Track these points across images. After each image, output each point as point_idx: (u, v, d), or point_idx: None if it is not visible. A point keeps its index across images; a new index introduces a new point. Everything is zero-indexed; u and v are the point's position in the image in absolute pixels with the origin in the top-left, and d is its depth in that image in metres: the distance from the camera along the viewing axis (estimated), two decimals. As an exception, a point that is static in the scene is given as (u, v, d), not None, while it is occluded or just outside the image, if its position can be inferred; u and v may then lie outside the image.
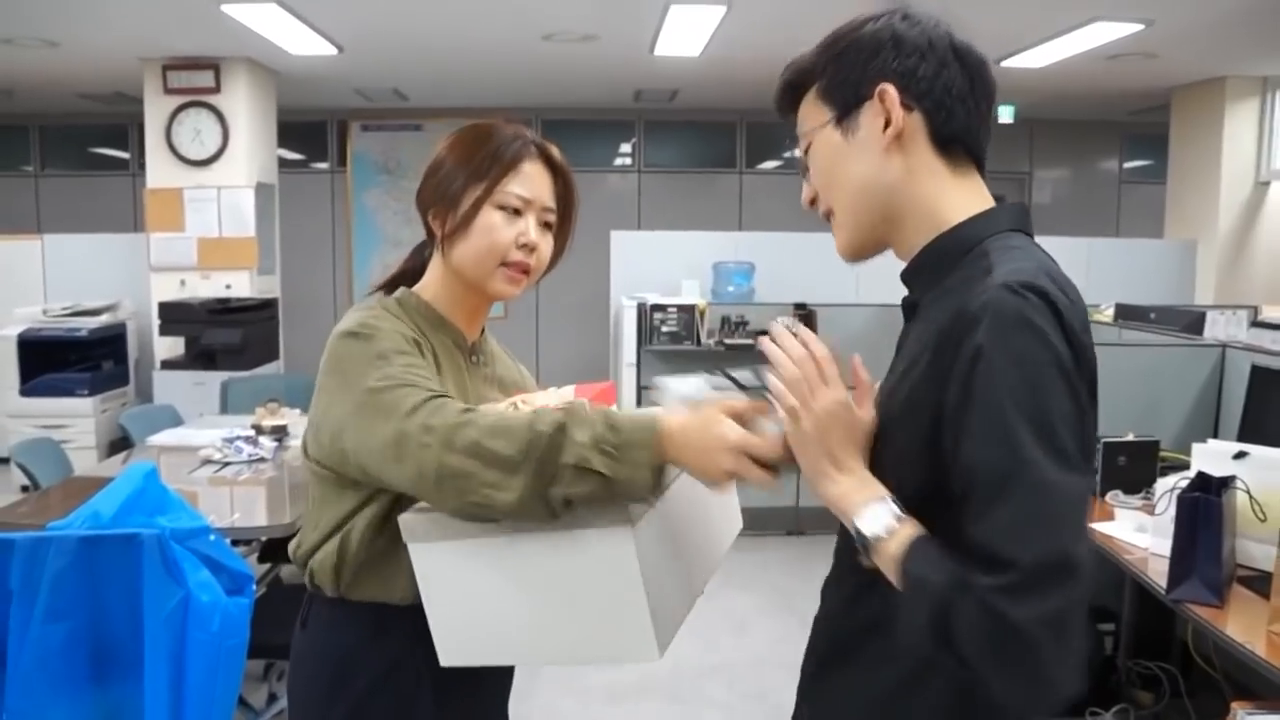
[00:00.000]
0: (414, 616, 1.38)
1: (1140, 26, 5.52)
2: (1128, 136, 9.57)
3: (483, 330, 1.65)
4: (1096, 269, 6.91)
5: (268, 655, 3.40)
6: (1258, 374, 3.33)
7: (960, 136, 1.17)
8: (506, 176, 1.48)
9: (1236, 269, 7.38)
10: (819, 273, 6.38)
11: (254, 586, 2.78)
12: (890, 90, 1.15)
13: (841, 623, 1.27)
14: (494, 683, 1.64)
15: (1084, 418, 1.04)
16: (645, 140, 9.23)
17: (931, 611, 0.99)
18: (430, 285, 1.56)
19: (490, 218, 1.48)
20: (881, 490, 1.10)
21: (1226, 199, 7.32)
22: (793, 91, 1.29)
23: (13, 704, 2.54)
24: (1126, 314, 4.89)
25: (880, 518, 1.07)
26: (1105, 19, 5.42)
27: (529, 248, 1.50)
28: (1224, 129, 7.24)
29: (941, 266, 1.17)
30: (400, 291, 1.56)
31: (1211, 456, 2.74)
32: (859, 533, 1.09)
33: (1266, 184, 7.32)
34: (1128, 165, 9.73)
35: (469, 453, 1.21)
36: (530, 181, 1.50)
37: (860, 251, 1.28)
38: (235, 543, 3.03)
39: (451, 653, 1.36)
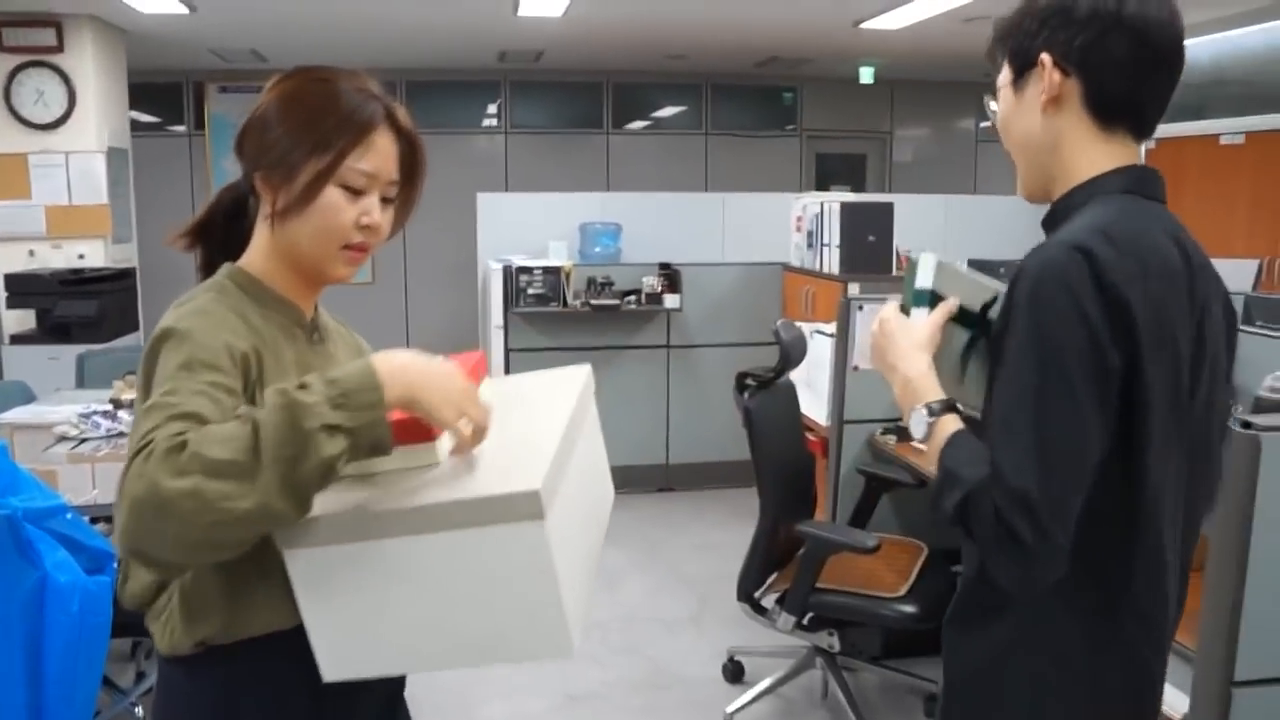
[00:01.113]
0: (291, 639, 1.25)
1: (989, -11, 5.72)
2: (984, 97, 9.88)
3: (316, 306, 1.49)
4: (953, 225, 7.17)
5: (135, 634, 3.35)
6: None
7: (1117, 101, 1.32)
8: (354, 150, 1.32)
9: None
10: (684, 233, 6.50)
11: (115, 564, 2.74)
12: (1047, 59, 1.31)
13: (970, 583, 1.42)
14: (390, 692, 1.50)
15: (1103, 363, 1.19)
16: (511, 101, 9.16)
17: (958, 500, 1.22)
18: (259, 260, 1.40)
19: (332, 197, 1.33)
20: (925, 396, 1.33)
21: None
22: (996, 46, 1.41)
23: None
24: (980, 269, 5.09)
25: (919, 424, 1.32)
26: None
27: (371, 229, 1.36)
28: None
29: (1054, 220, 1.36)
30: (229, 269, 1.39)
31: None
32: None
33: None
34: (984, 124, 10.08)
35: (189, 470, 1.04)
36: (378, 155, 1.35)
37: (1030, 197, 1.45)
38: (95, 520, 2.96)
39: (336, 667, 1.23)
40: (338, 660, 1.22)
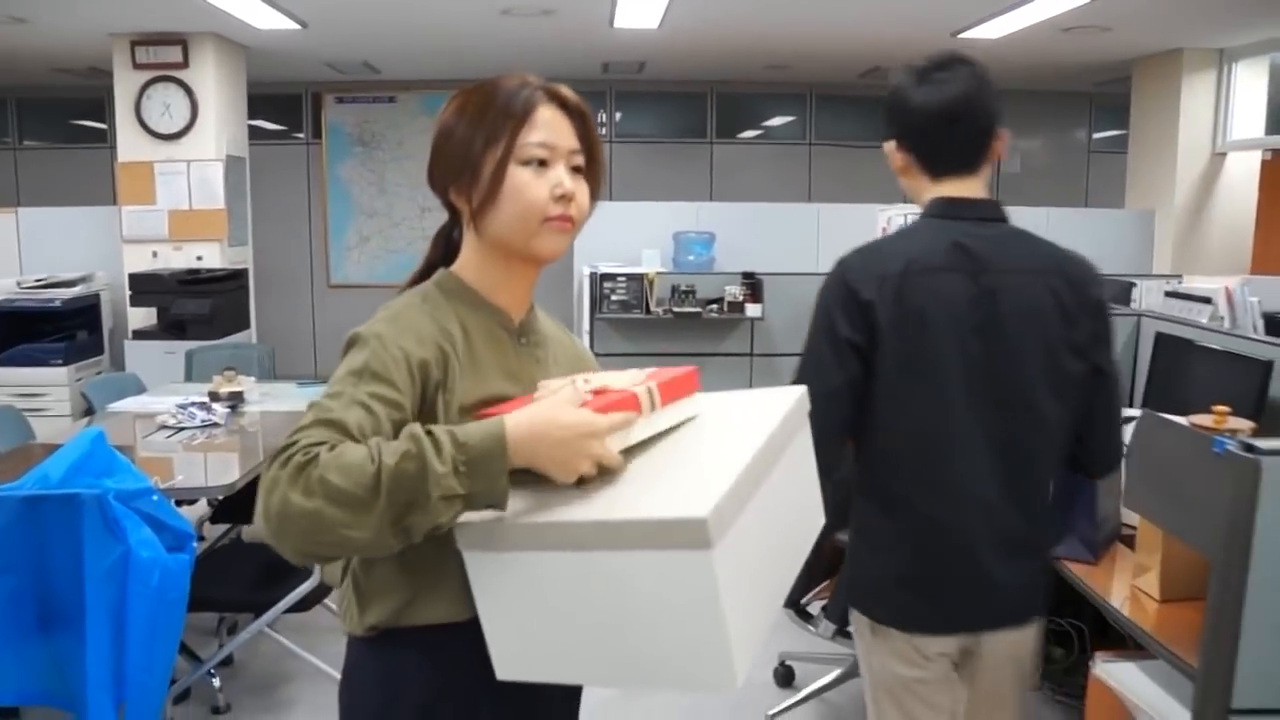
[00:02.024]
0: (464, 633, 1.30)
1: (1085, 0, 5.62)
2: (1096, 107, 9.67)
3: (531, 307, 1.50)
4: (1057, 238, 7.04)
5: (220, 609, 3.59)
6: (1161, 341, 3.47)
7: (931, 157, 1.88)
8: (523, 128, 1.36)
9: (1192, 238, 7.51)
10: (778, 243, 6.55)
11: (194, 544, 2.95)
12: (890, 146, 1.92)
13: None
14: (563, 698, 1.49)
15: (837, 336, 1.80)
16: (616, 111, 9.33)
17: None
18: (469, 265, 1.43)
19: (518, 176, 1.35)
20: None
21: (1183, 169, 7.44)
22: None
23: (-37, 652, 2.71)
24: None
25: None
26: (1049, -7, 5.53)
27: (567, 198, 1.37)
28: (1181, 101, 7.35)
29: None
30: (439, 274, 1.44)
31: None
32: None
33: (1223, 155, 7.43)
34: (1096, 135, 9.83)
35: (313, 492, 1.12)
36: (549, 128, 1.37)
37: None
38: (179, 502, 3.19)
39: (508, 666, 1.26)
40: (510, 660, 1.26)
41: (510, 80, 1.39)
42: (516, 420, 1.20)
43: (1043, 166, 9.86)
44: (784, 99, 9.48)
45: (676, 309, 5.54)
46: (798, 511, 1.44)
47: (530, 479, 1.23)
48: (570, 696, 1.51)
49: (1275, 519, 1.72)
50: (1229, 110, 7.36)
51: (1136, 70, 7.80)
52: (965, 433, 1.81)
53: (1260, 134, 7.28)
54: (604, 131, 9.35)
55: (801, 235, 6.65)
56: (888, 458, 1.87)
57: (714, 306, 5.63)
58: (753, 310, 5.59)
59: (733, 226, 6.57)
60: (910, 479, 1.85)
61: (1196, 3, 5.81)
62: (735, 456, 1.22)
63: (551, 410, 1.22)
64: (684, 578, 1.11)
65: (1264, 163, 7.18)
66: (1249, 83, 7.29)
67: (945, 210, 1.85)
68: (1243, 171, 7.42)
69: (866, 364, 1.80)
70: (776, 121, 9.66)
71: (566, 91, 1.41)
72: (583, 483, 1.23)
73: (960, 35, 6.68)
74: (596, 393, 1.29)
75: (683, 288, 5.65)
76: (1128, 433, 2.68)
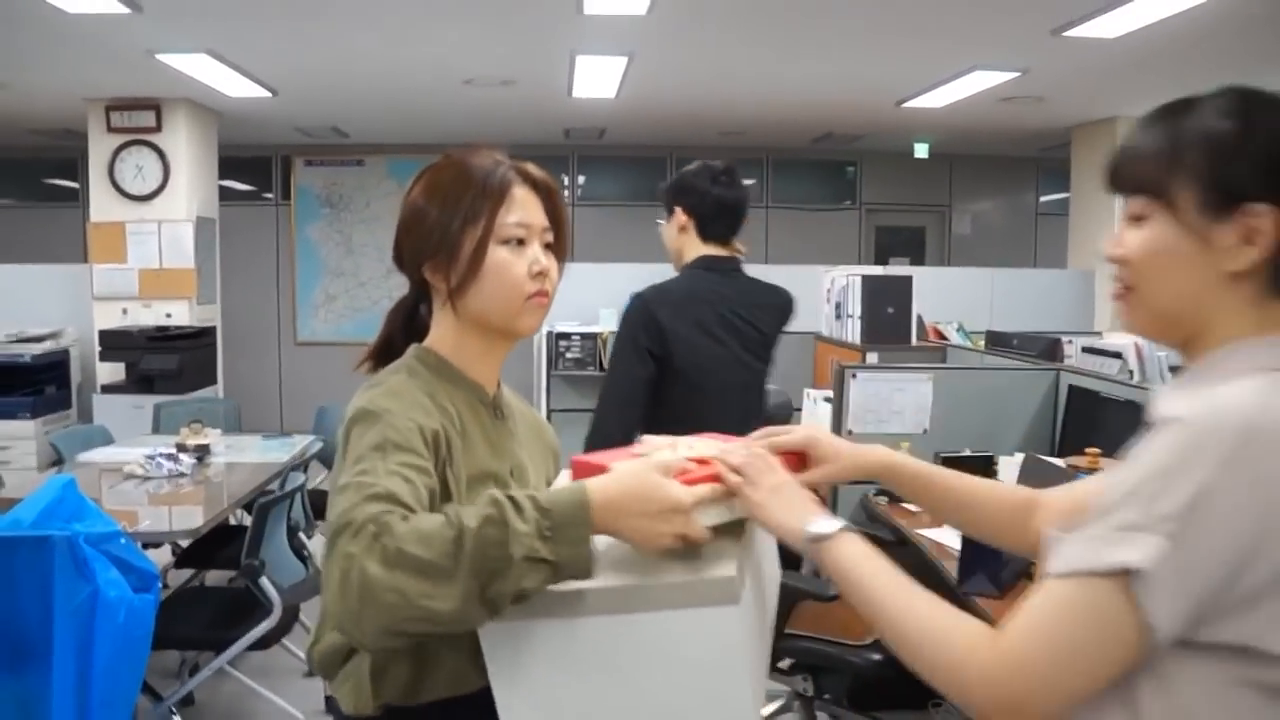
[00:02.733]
0: (473, 706, 1.31)
1: (1017, 74, 5.97)
2: (1042, 171, 10.06)
3: (499, 382, 1.53)
4: (1002, 298, 7.36)
5: (182, 646, 3.72)
6: (1073, 392, 3.72)
7: (709, 230, 2.86)
8: (501, 208, 1.39)
9: (1130, 298, 7.82)
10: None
11: (160, 585, 3.11)
12: (679, 210, 2.88)
13: None
14: None
15: (640, 345, 2.64)
16: (579, 174, 9.62)
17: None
18: (445, 342, 1.45)
19: (498, 256, 1.39)
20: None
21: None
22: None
23: (-68, 689, 2.85)
24: (995, 340, 5.31)
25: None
26: (983, 68, 5.87)
27: (543, 275, 1.42)
28: (1116, 167, 7.71)
29: None
30: (418, 350, 1.45)
31: (1012, 467, 3.16)
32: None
33: (1157, 218, 7.79)
34: (1043, 198, 10.21)
35: (394, 564, 1.08)
36: (524, 207, 1.42)
37: None
38: (145, 545, 3.35)
39: None
40: None
41: (483, 159, 1.42)
42: (603, 486, 1.17)
43: (993, 228, 10.21)
44: (741, 164, 9.67)
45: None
46: (771, 566, 1.50)
47: None
48: None
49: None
50: (1161, 176, 7.73)
51: (1075, 137, 8.19)
52: (716, 401, 2.72)
53: (1191, 199, 7.65)
54: (567, 195, 9.63)
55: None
56: (663, 418, 2.50)
57: (666, 363, 5.85)
58: (703, 366, 5.81)
59: (689, 286, 6.82)
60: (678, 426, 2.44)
61: (1122, 77, 6.16)
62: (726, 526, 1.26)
63: (639, 480, 1.18)
64: (711, 634, 1.14)
65: None
66: (1179, 150, 7.67)
67: (709, 264, 2.82)
68: (1175, 234, 7.76)
69: (658, 361, 2.66)
70: (735, 185, 9.96)
71: (535, 170, 1.46)
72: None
73: (904, 105, 7.02)
74: (698, 461, 1.26)
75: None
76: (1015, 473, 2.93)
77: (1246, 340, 1.02)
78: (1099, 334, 5.11)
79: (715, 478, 1.23)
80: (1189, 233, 1.03)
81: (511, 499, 1.13)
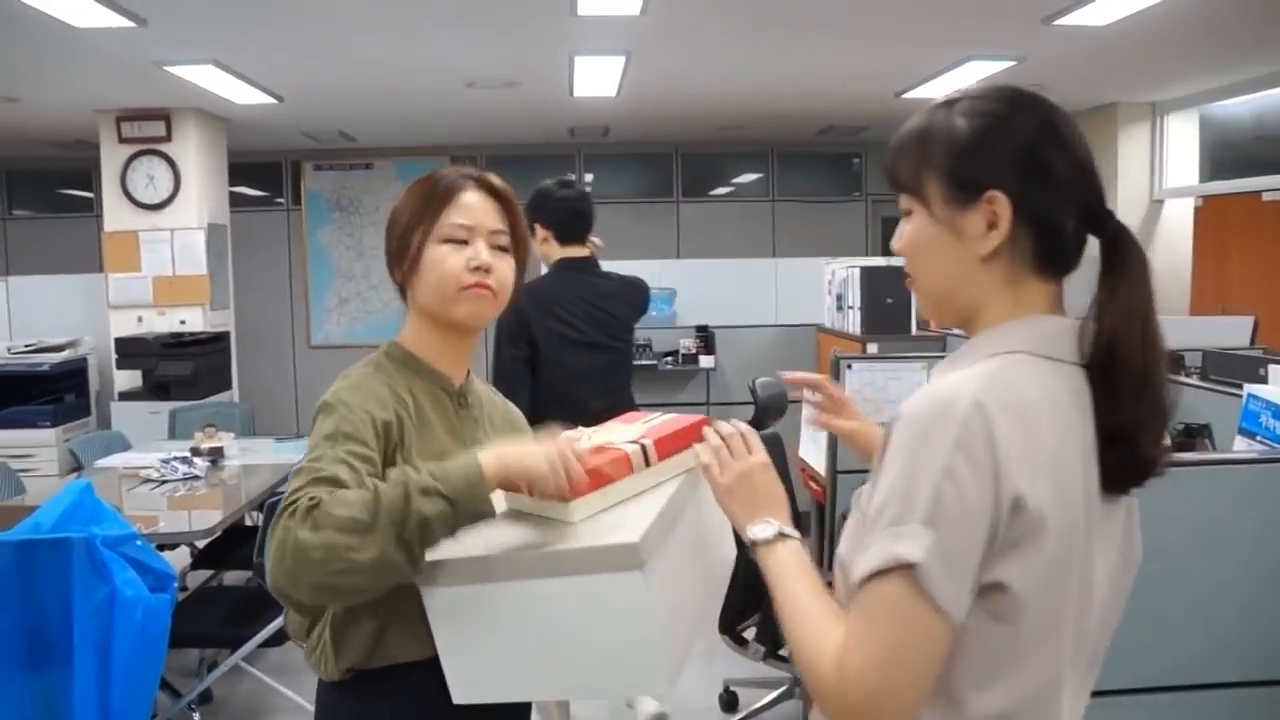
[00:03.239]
0: (428, 671, 1.42)
1: (1012, 63, 6.01)
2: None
3: (468, 373, 1.67)
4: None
5: (198, 644, 3.82)
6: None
7: (564, 235, 3.58)
8: (445, 209, 1.54)
9: (1135, 282, 7.84)
10: (738, 297, 6.86)
11: (175, 584, 3.21)
12: (539, 226, 3.48)
13: None
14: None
15: (519, 338, 3.29)
16: (584, 173, 9.70)
17: None
18: (409, 334, 1.60)
19: (437, 252, 1.52)
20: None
21: (1123, 217, 7.60)
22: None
23: (-42, 688, 2.96)
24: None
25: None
26: (978, 58, 5.92)
27: (483, 269, 1.53)
28: (1118, 152, 7.75)
29: None
30: (387, 345, 1.60)
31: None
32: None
33: (1160, 202, 7.82)
34: (1049, 185, 10.21)
35: (321, 526, 1.25)
36: (470, 210, 1.55)
37: None
38: (160, 547, 3.45)
39: (464, 690, 1.39)
40: (466, 685, 1.38)
41: (448, 170, 1.60)
42: (488, 450, 1.36)
43: (999, 216, 10.22)
44: (747, 157, 9.85)
45: (635, 362, 5.83)
46: (715, 540, 1.60)
47: (482, 526, 1.38)
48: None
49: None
50: (1164, 159, 7.76)
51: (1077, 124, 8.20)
52: (579, 377, 3.33)
53: (1194, 181, 7.67)
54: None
55: (760, 289, 6.97)
56: (542, 391, 3.27)
57: (669, 359, 5.93)
58: (705, 361, 5.89)
59: (694, 283, 6.89)
60: (552, 404, 3.03)
61: (1123, 63, 6.20)
62: (658, 494, 1.42)
63: (520, 446, 1.38)
64: (620, 596, 1.26)
65: (1197, 210, 7.55)
66: (1181, 133, 7.70)
67: (567, 265, 3.45)
68: (1179, 218, 7.79)
69: (533, 347, 3.29)
70: (741, 179, 10.03)
71: (493, 179, 1.60)
72: (532, 521, 1.39)
73: (904, 95, 7.06)
74: (595, 450, 1.43)
75: (639, 341, 5.94)
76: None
77: (1000, 325, 1.11)
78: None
79: (612, 465, 1.41)
80: (941, 223, 1.12)
81: (414, 467, 1.35)
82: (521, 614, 1.32)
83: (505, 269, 1.57)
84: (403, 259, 1.56)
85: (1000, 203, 1.08)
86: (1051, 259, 1.12)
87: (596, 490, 1.39)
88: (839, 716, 1.03)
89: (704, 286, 6.86)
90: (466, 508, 1.31)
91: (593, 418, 2.47)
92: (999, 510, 0.99)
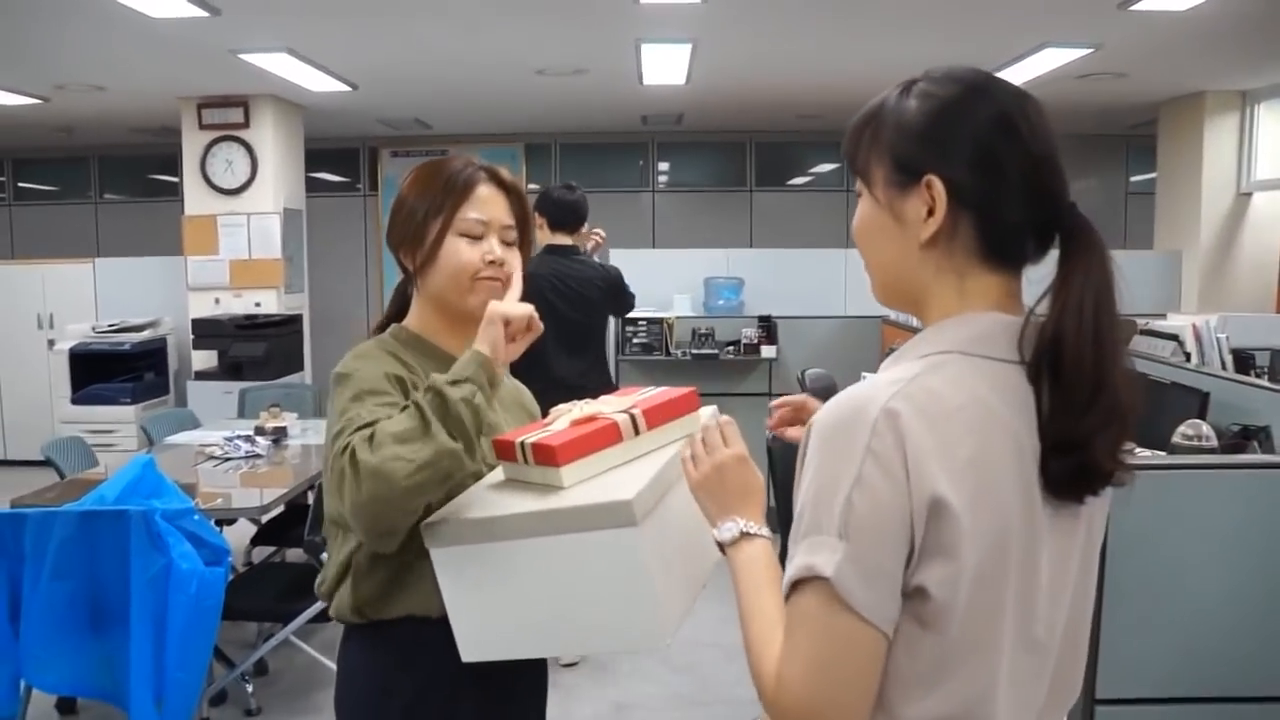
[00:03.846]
0: (440, 630, 1.45)
1: (1089, 50, 5.85)
2: (1131, 149, 9.79)
3: None
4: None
5: (251, 618, 3.93)
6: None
7: (556, 225, 4.29)
8: (463, 204, 1.59)
9: (1219, 278, 7.61)
10: (807, 287, 6.81)
11: (229, 559, 3.30)
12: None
13: None
14: (529, 691, 1.70)
15: None
16: (658, 160, 9.70)
17: None
18: (417, 317, 1.65)
19: (453, 245, 1.58)
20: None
21: (1208, 210, 7.56)
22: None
23: (26, 648, 3.10)
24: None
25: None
26: (1054, 45, 5.77)
27: (496, 263, 1.60)
28: (1204, 142, 7.50)
29: None
30: (393, 327, 1.65)
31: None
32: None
33: (1248, 195, 7.55)
34: (1133, 178, 9.94)
35: (383, 443, 1.33)
36: (485, 204, 1.61)
37: None
38: (219, 522, 3.56)
39: (472, 649, 1.43)
40: (474, 644, 1.43)
41: (457, 161, 1.64)
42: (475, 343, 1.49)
43: (1082, 208, 9.95)
44: (822, 147, 9.75)
45: (695, 351, 5.83)
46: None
47: (487, 491, 1.45)
48: (537, 692, 1.73)
49: (1127, 527, 1.96)
50: (1253, 151, 7.49)
51: (1162, 113, 7.97)
52: (554, 348, 3.57)
53: (1286, 174, 7.40)
54: (645, 181, 9.72)
55: (829, 280, 6.90)
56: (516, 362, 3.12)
57: (731, 348, 5.91)
58: (767, 351, 5.86)
59: (762, 272, 6.86)
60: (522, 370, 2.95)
61: (1211, 48, 5.99)
62: (654, 459, 1.46)
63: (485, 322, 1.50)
64: (616, 552, 1.30)
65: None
66: (1273, 123, 7.42)
67: (551, 250, 4.10)
68: (1268, 211, 7.52)
69: None
70: (815, 169, 9.94)
71: (504, 173, 1.66)
72: (532, 486, 1.43)
73: (979, 84, 6.91)
74: (584, 420, 1.49)
75: (702, 330, 5.94)
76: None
77: (939, 324, 1.07)
78: (1162, 315, 4.99)
79: (598, 435, 1.46)
80: (883, 207, 1.09)
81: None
82: (523, 572, 1.37)
83: (514, 260, 1.64)
84: (416, 248, 1.60)
85: (936, 187, 1.05)
86: (998, 250, 1.07)
87: (587, 456, 1.43)
88: None
89: (772, 276, 6.82)
90: (486, 378, 1.44)
91: (560, 385, 2.82)
92: (914, 516, 0.97)
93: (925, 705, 1.01)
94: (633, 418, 1.50)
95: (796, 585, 1.00)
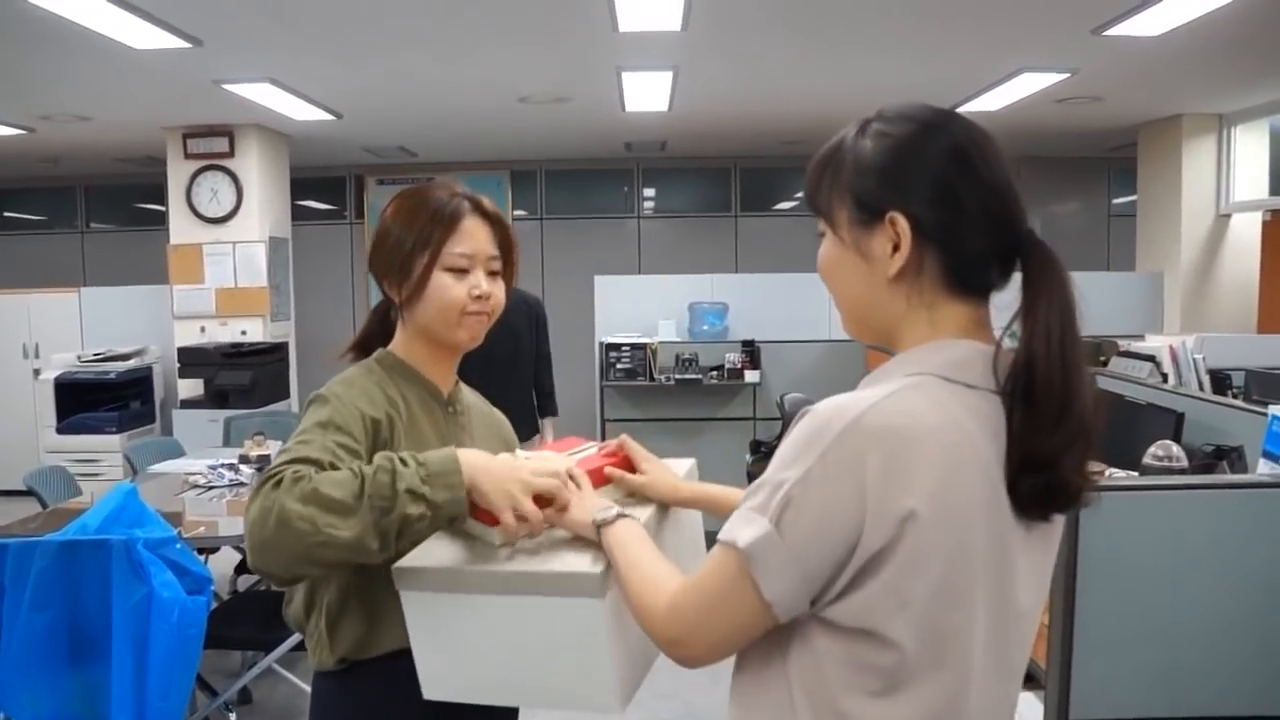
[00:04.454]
0: (411, 661, 1.45)
1: (1065, 75, 5.92)
2: (1113, 171, 9.88)
3: (457, 382, 1.74)
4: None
5: (233, 646, 3.91)
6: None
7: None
8: (449, 239, 1.58)
9: (1200, 299, 7.66)
10: (790, 312, 6.86)
11: (211, 588, 3.30)
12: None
13: None
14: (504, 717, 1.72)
15: None
16: (643, 187, 9.75)
17: None
18: (402, 344, 1.66)
19: (441, 280, 1.58)
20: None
21: (1188, 231, 7.63)
22: None
23: (4, 679, 3.08)
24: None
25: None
26: (1030, 70, 5.84)
27: (483, 298, 1.60)
28: (1183, 164, 7.57)
29: None
30: (379, 352, 1.66)
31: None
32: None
33: (1227, 216, 7.62)
34: (1115, 200, 10.02)
35: (308, 500, 1.30)
36: (471, 238, 1.60)
37: None
38: (201, 551, 3.55)
39: (433, 687, 1.45)
40: (434, 683, 1.44)
41: (440, 190, 1.63)
42: (470, 451, 1.43)
43: (1065, 231, 10.03)
44: (806, 173, 9.79)
45: (679, 376, 5.86)
46: (689, 566, 1.68)
47: (461, 536, 1.45)
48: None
49: (1095, 553, 1.98)
50: (1231, 172, 7.57)
51: (1141, 136, 8.05)
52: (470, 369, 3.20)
53: (1263, 195, 7.47)
54: (629, 207, 9.76)
55: (814, 304, 6.95)
56: None
57: (714, 373, 5.94)
58: (751, 376, 5.89)
59: (747, 297, 6.90)
60: None
61: (1186, 72, 6.06)
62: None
63: (495, 458, 1.45)
64: (577, 620, 1.32)
65: (1265, 223, 7.35)
66: (1249, 145, 7.50)
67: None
68: (1247, 232, 7.59)
69: None
70: (800, 194, 9.99)
71: (488, 204, 1.66)
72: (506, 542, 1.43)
73: (960, 109, 6.97)
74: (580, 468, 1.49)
75: (685, 356, 5.97)
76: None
77: (918, 347, 1.10)
78: (1140, 337, 5.04)
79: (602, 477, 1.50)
80: (848, 245, 1.13)
81: (399, 456, 1.39)
82: (486, 625, 1.38)
83: (499, 292, 1.65)
84: (403, 281, 1.60)
85: (900, 224, 1.08)
86: (964, 280, 1.10)
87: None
88: (660, 641, 1.14)
89: (757, 301, 6.86)
90: (447, 511, 1.38)
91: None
92: (866, 527, 1.00)
93: (885, 712, 1.04)
94: (574, 478, 1.49)
95: (723, 544, 1.07)
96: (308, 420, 1.49)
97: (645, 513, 1.49)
